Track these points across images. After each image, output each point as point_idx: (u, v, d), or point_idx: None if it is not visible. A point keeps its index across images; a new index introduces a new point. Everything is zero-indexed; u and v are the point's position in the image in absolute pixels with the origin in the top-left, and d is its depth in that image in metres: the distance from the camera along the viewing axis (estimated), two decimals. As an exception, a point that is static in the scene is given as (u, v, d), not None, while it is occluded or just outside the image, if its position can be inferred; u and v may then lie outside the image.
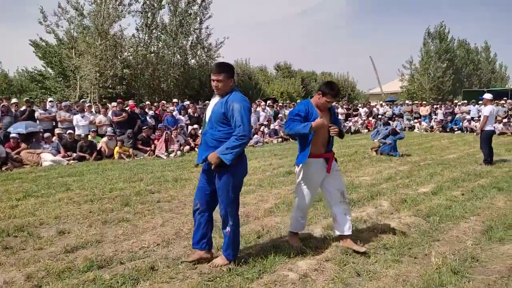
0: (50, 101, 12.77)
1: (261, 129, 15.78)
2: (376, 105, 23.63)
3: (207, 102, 15.87)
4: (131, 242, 4.04)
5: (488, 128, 8.52)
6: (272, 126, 16.23)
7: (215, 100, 3.31)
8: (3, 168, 8.78)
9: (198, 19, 24.17)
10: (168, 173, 8.13)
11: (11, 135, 9.87)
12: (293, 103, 21.25)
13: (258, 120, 16.47)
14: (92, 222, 4.74)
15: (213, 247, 3.51)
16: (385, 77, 71.72)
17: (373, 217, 4.82)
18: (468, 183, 6.77)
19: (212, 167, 3.15)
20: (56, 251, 3.81)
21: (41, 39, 22.89)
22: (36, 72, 24.06)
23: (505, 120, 17.56)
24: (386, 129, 11.16)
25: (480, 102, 19.73)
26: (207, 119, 3.33)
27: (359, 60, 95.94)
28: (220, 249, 3.57)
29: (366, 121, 20.97)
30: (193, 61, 24.34)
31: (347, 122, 20.30)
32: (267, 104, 18.59)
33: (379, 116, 21.54)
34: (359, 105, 23.77)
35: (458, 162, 9.08)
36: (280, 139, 15.51)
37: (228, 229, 3.30)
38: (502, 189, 6.19)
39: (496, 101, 20.40)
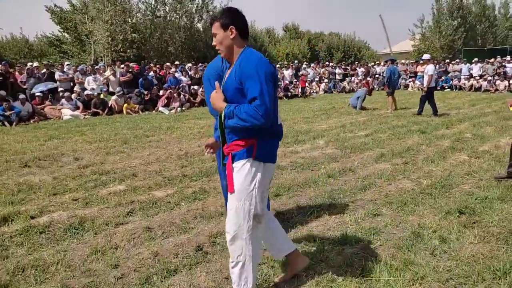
0: (67, 64, 14.50)
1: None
2: (373, 64, 24.49)
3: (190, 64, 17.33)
4: (124, 164, 5.80)
5: (432, 85, 9.94)
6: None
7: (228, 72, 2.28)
8: (31, 121, 10.68)
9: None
10: (164, 124, 9.85)
11: (36, 94, 11.73)
12: (298, 63, 22.40)
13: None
14: (99, 153, 6.54)
15: None
16: (397, 37, 70.39)
17: (303, 152, 6.44)
18: (401, 129, 8.24)
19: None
20: (72, 167, 5.62)
21: (55, 5, 24.35)
22: (53, 37, 25.71)
23: (489, 78, 18.41)
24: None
25: (475, 60, 20.58)
26: None
27: (369, 21, 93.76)
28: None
29: (363, 81, 22.08)
30: (199, 24, 25.48)
31: (343, 82, 21.51)
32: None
33: (376, 76, 22.56)
34: (358, 65, 24.67)
35: (411, 114, 10.45)
36: (274, 98, 16.98)
37: None
38: (424, 132, 7.67)
39: (486, 59, 21.14)
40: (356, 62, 27.32)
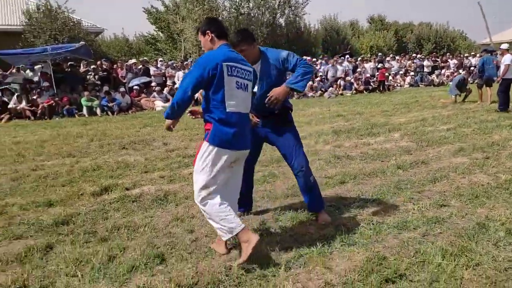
0: (160, 61, 15.90)
1: (338, 82, 17.12)
2: (468, 56, 22.56)
3: None
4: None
5: (508, 76, 9.03)
6: (348, 79, 17.34)
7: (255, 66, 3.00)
8: (130, 111, 12.02)
9: (286, -23, 25.28)
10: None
11: (134, 87, 13.14)
12: (382, 56, 21.62)
13: (336, 74, 17.76)
14: (184, 139, 7.25)
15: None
16: (500, 26, 63.18)
17: (375, 144, 6.41)
18: (490, 123, 7.66)
19: (276, 104, 2.97)
20: (161, 151, 6.34)
21: (151, 6, 26.62)
22: (149, 36, 28.16)
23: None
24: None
25: None
26: (254, 88, 2.98)
27: (467, 8, 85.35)
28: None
29: (455, 74, 20.50)
30: (281, 19, 25.84)
31: (432, 75, 20.21)
32: (346, 58, 19.54)
33: (471, 69, 20.79)
34: (449, 57, 22.92)
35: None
36: (354, 92, 16.69)
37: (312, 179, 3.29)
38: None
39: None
40: (448, 54, 25.39)
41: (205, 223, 3.40)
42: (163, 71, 14.72)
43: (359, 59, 20.47)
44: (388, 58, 21.12)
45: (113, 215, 3.70)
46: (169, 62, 15.46)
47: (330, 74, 17.68)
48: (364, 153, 5.71)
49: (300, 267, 2.63)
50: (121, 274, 2.58)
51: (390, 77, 18.57)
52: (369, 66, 19.02)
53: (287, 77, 3.20)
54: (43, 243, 3.04)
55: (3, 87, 12.30)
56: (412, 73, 19.66)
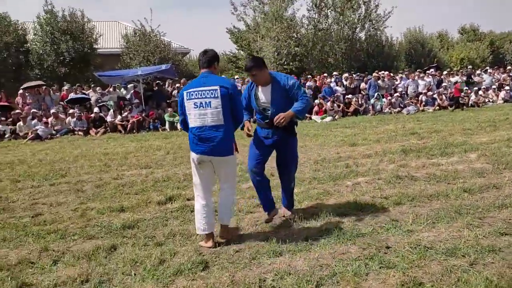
0: (236, 78, 16.70)
1: (420, 97, 16.26)
2: None
3: (347, 74, 17.23)
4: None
5: None
6: (429, 94, 16.34)
7: (263, 88, 3.78)
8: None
9: (368, -10, 24.86)
10: (312, 131, 10.44)
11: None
12: (471, 69, 20.06)
13: (417, 89, 16.89)
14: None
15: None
16: None
17: (445, 165, 6.03)
18: None
19: (282, 123, 3.62)
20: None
21: (234, 26, 28.04)
22: (231, 54, 29.64)
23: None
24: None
25: None
26: (264, 106, 3.81)
27: None
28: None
29: None
30: (361, 34, 25.39)
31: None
32: (429, 72, 18.48)
33: None
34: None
35: None
36: (437, 108, 15.68)
37: (293, 185, 4.11)
38: None
39: None
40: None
41: (251, 235, 3.59)
42: (239, 88, 15.42)
43: (444, 72, 19.19)
44: (478, 72, 19.48)
45: (172, 222, 4.07)
46: (246, 80, 16.13)
47: (410, 89, 16.88)
48: (430, 174, 5.43)
49: (332, 285, 2.66)
50: (167, 276, 2.87)
51: (481, 92, 17.08)
52: (455, 80, 17.74)
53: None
54: (109, 244, 3.48)
55: (101, 104, 13.97)
56: (507, 88, 17.86)
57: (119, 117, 13.00)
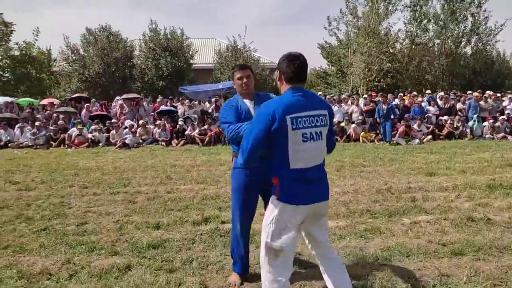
0: (319, 94, 16.25)
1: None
2: None
3: (442, 93, 15.36)
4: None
5: None
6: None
7: (248, 103, 3.04)
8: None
9: (476, 1, 22.46)
10: (389, 155, 9.54)
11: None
12: None
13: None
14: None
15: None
16: None
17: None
18: None
19: None
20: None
21: (325, 42, 27.61)
22: (321, 70, 29.20)
23: None
24: None
25: None
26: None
27: None
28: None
29: None
30: (466, 49, 22.97)
31: None
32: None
33: None
34: None
35: None
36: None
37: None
38: None
39: None
40: None
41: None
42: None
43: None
44: None
45: (196, 246, 3.91)
46: (327, 96, 15.60)
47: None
48: (515, 219, 4.44)
49: None
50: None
51: None
52: None
53: None
54: (125, 263, 3.44)
55: (185, 117, 14.72)
56: None
57: (197, 129, 13.50)
